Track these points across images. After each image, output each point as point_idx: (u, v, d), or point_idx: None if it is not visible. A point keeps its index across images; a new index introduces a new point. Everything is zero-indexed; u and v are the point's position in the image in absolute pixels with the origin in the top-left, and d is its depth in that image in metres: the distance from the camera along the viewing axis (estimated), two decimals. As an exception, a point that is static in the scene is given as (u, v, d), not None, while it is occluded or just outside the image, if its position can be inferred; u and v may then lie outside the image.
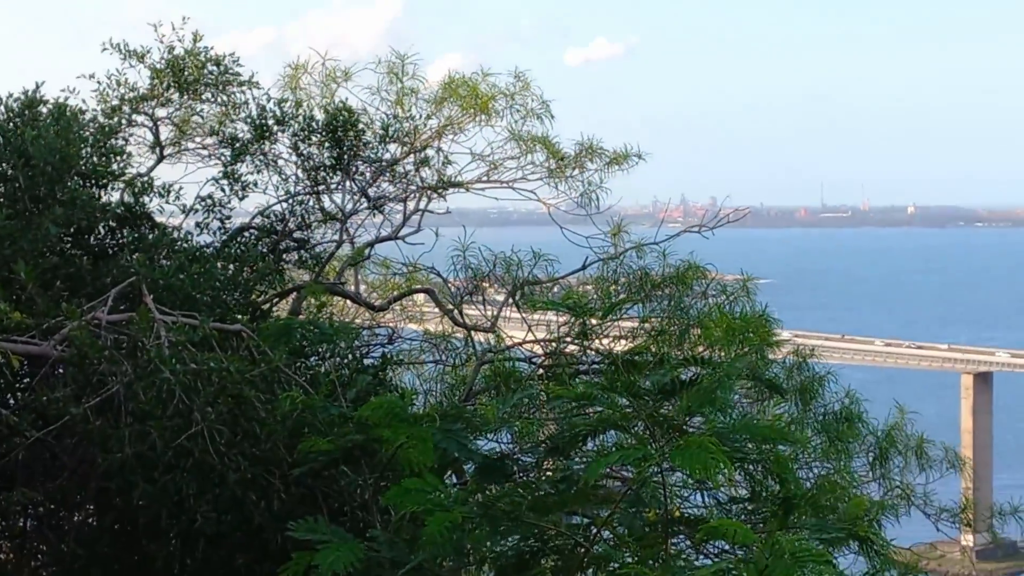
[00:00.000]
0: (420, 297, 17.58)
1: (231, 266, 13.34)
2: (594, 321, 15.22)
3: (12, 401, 9.76)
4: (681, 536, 7.99)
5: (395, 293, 16.85)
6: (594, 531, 7.77)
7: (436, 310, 16.99)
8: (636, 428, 7.62)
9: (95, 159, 11.90)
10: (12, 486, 9.58)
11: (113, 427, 8.90)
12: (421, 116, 16.14)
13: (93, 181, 11.78)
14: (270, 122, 15.01)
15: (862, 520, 8.22)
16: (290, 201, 15.21)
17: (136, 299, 9.98)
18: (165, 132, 15.72)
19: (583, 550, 7.69)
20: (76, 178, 11.34)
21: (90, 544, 9.56)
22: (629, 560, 7.66)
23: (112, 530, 9.58)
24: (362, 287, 16.76)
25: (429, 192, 16.25)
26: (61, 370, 9.61)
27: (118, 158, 12.79)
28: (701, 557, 8.30)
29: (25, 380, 9.92)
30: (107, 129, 13.42)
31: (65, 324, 9.40)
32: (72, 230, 11.27)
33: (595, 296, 15.56)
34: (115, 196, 12.74)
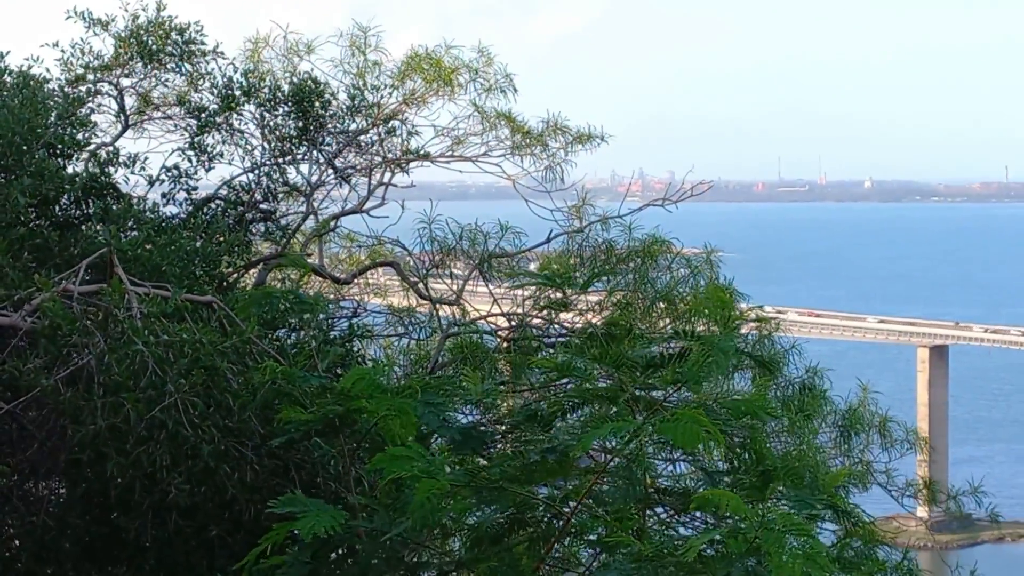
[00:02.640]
0: (384, 270, 17.55)
1: (198, 238, 13.27)
2: (560, 294, 15.31)
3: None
4: (659, 508, 8.06)
5: (359, 266, 16.80)
6: (574, 503, 7.82)
7: (401, 283, 17.01)
8: (621, 401, 7.66)
9: (61, 129, 11.80)
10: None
11: (85, 399, 8.84)
12: (385, 89, 16.10)
13: (59, 151, 11.69)
14: (236, 92, 14.90)
15: (836, 492, 8.30)
16: (256, 172, 15.13)
17: (105, 270, 9.93)
18: (129, 102, 15.58)
19: (562, 521, 7.74)
20: (42, 148, 11.24)
21: (60, 516, 9.51)
22: (604, 531, 7.73)
23: (82, 502, 9.52)
24: (325, 260, 16.71)
25: (394, 165, 16.23)
26: (27, 342, 9.55)
27: (83, 128, 12.69)
28: (680, 529, 8.36)
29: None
30: (73, 99, 13.30)
31: (34, 296, 9.35)
32: (37, 201, 11.17)
33: (558, 269, 15.58)
34: (79, 167, 12.64)
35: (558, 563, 8.53)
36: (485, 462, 8.43)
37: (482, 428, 8.98)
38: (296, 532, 7.79)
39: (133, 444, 8.75)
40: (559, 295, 15.51)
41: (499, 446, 9.79)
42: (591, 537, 7.84)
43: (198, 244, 12.41)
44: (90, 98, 14.46)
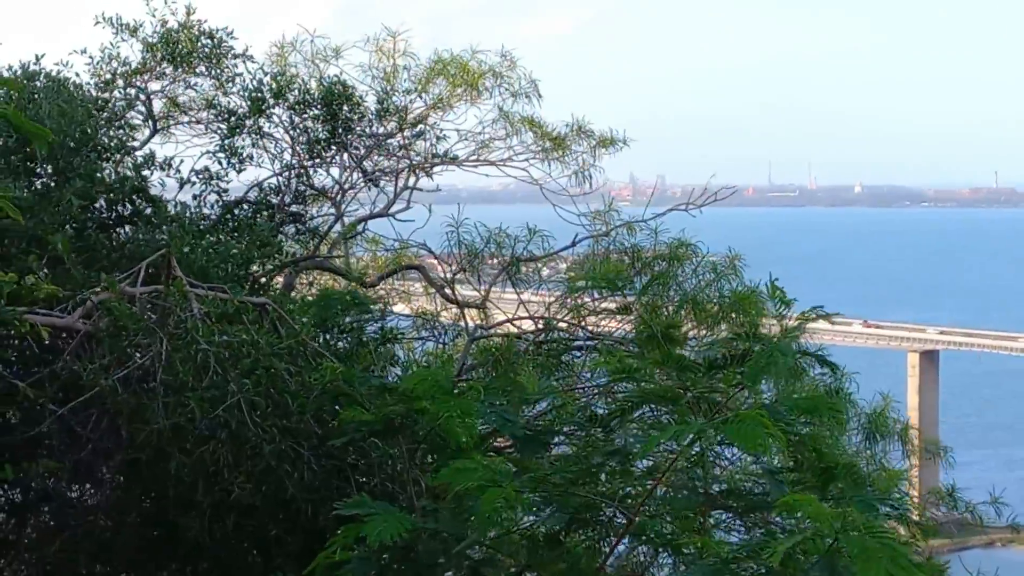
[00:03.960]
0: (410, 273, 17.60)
1: (228, 238, 13.34)
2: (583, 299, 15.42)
3: (38, 373, 9.72)
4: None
5: (386, 270, 16.86)
6: (636, 503, 7.87)
7: (425, 287, 17.10)
8: (683, 402, 7.73)
9: (113, 132, 11.90)
10: (36, 457, 9.60)
11: (149, 398, 8.91)
12: (412, 93, 16.18)
13: (108, 155, 11.78)
14: (266, 96, 14.97)
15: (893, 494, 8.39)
16: (286, 175, 15.22)
17: (158, 272, 10.00)
18: (157, 106, 15.65)
19: (626, 522, 7.81)
20: (93, 152, 11.33)
21: (117, 516, 9.58)
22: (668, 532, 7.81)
23: (139, 502, 9.59)
24: (351, 263, 16.79)
25: (420, 168, 16.31)
26: (84, 343, 9.62)
27: (132, 131, 12.81)
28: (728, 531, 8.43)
29: (48, 354, 9.90)
30: (112, 104, 13.41)
31: (87, 297, 9.44)
32: (85, 204, 11.25)
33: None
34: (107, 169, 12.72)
35: (620, 565, 8.61)
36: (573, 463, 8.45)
37: (542, 428, 9.03)
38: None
39: (195, 443, 8.82)
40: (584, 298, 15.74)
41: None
42: (655, 539, 7.88)
43: (241, 246, 12.46)
44: (120, 102, 14.52)
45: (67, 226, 10.62)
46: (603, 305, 15.53)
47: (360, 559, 7.82)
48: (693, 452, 7.57)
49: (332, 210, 15.96)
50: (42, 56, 13.18)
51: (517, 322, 15.68)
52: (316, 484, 9.08)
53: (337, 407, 9.05)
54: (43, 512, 10.00)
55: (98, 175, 10.97)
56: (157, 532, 9.58)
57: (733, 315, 14.41)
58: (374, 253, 17.71)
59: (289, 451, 9.02)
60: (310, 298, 14.65)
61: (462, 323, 15.95)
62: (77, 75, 14.18)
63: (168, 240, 10.30)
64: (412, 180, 16.34)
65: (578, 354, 15.29)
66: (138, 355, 9.15)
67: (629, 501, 7.97)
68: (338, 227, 15.90)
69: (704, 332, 14.20)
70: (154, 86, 15.47)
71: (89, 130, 11.05)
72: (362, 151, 15.70)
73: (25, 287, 9.12)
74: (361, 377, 8.76)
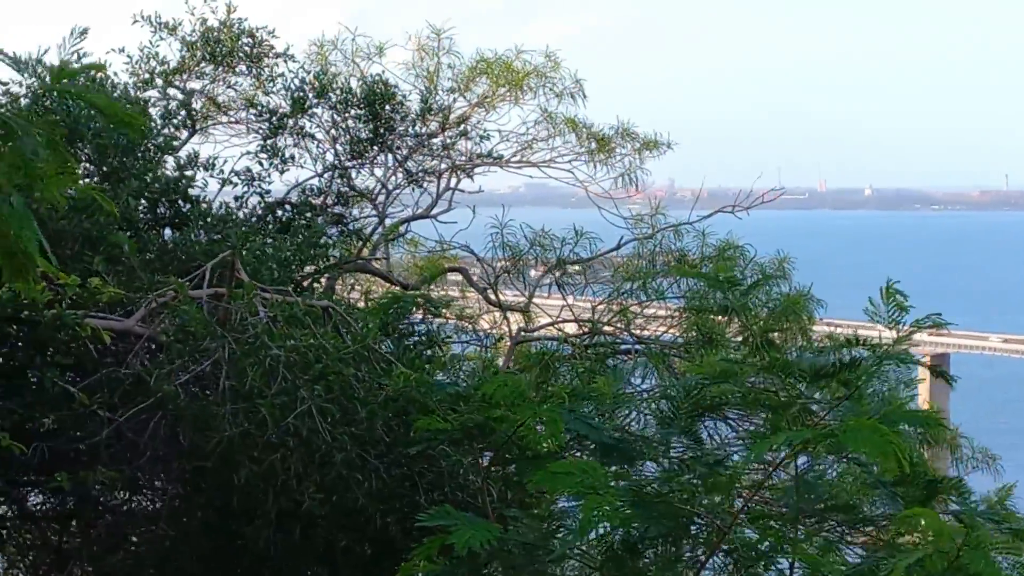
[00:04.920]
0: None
1: (274, 240, 13.08)
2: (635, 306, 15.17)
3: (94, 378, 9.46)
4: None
5: (428, 272, 16.59)
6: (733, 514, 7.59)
7: (462, 290, 16.88)
8: (792, 411, 7.45)
9: (167, 132, 11.66)
10: (94, 465, 9.35)
11: (218, 405, 8.63)
12: (454, 92, 15.94)
13: (160, 155, 11.53)
14: (308, 95, 14.72)
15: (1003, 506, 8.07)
16: (329, 175, 14.97)
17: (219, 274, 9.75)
18: (196, 105, 15.39)
19: (721, 534, 7.52)
20: (145, 151, 11.08)
21: (181, 525, 9.32)
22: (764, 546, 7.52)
23: (202, 510, 9.32)
24: (393, 265, 16.55)
25: (462, 170, 16.07)
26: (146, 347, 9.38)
27: (169, 132, 12.57)
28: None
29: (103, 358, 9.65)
30: (151, 103, 13.19)
31: (150, 300, 9.19)
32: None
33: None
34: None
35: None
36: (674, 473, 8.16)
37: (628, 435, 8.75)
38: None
39: (263, 451, 8.55)
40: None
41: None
42: (751, 553, 7.59)
43: (292, 248, 12.20)
44: (175, 101, 14.26)
45: (120, 228, 10.33)
46: (642, 310, 15.36)
47: (448, 571, 7.54)
48: (802, 462, 7.29)
49: (373, 211, 15.71)
50: (84, 55, 12.93)
51: (560, 325, 15.49)
52: (385, 493, 8.81)
53: (407, 415, 8.79)
54: (104, 521, 9.73)
55: (149, 175, 10.68)
56: (219, 542, 9.29)
57: (785, 320, 14.19)
58: (414, 255, 17.46)
59: (358, 459, 8.74)
60: (353, 301, 14.45)
61: (504, 326, 15.75)
62: (115, 74, 13.93)
63: (234, 242, 10.00)
64: (453, 181, 16.10)
65: (623, 358, 15.07)
66: (201, 360, 8.86)
67: (723, 511, 7.70)
68: (380, 229, 15.65)
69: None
70: (193, 85, 15.20)
71: (144, 129, 10.76)
72: (404, 151, 15.44)
73: (87, 290, 8.88)
74: (435, 384, 8.47)
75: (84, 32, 9.46)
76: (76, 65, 8.78)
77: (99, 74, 13.21)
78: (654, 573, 7.85)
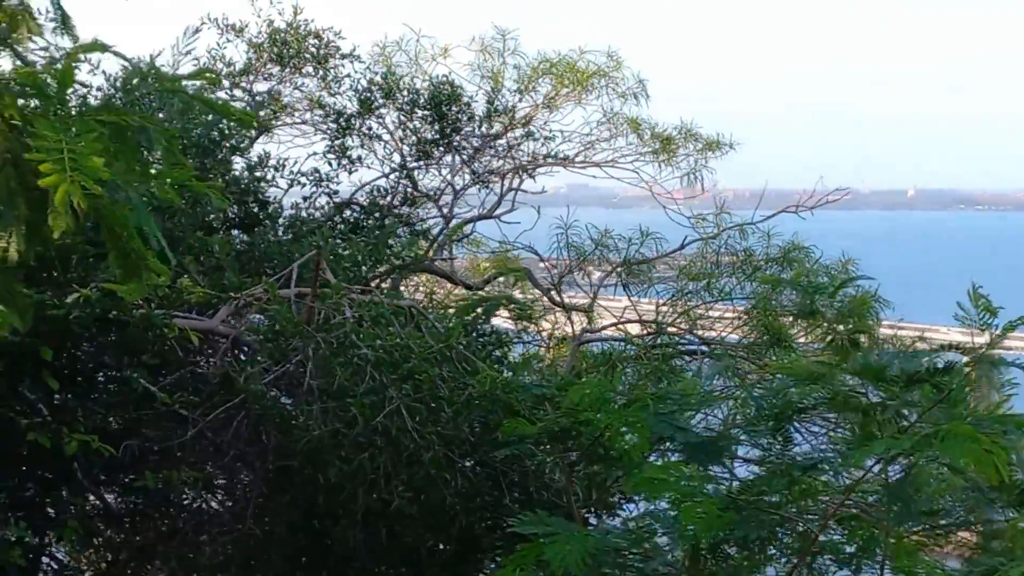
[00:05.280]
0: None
1: (344, 241, 13.15)
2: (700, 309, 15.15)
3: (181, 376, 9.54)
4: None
5: (490, 273, 16.62)
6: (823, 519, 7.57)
7: (523, 291, 16.87)
8: (886, 416, 7.40)
9: (244, 132, 11.74)
10: (178, 464, 9.43)
11: (308, 404, 8.68)
12: (519, 93, 15.97)
13: (237, 155, 11.62)
14: (376, 95, 14.80)
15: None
16: (396, 175, 15.05)
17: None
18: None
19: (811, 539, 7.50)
20: (225, 151, 11.16)
21: (267, 524, 9.38)
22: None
23: (287, 510, 9.36)
24: (457, 266, 16.59)
25: (525, 170, 16.09)
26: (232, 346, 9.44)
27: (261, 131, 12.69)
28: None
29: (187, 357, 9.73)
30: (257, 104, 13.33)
31: (237, 299, 9.26)
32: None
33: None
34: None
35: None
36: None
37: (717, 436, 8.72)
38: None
39: (351, 450, 8.58)
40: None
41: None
42: (842, 557, 7.57)
43: (366, 249, 12.25)
44: (253, 103, 14.39)
45: (204, 229, 10.43)
46: (707, 310, 15.34)
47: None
48: (897, 467, 7.24)
49: (437, 212, 15.77)
50: (157, 54, 13.04)
51: (623, 326, 15.47)
52: (471, 492, 8.83)
53: (490, 414, 8.82)
54: (188, 521, 9.80)
55: (229, 176, 10.78)
56: (304, 541, 9.34)
57: (850, 321, 14.15)
58: (475, 255, 17.49)
59: (444, 459, 8.76)
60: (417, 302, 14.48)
61: (567, 327, 15.74)
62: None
63: (322, 242, 10.07)
64: (516, 181, 16.13)
65: (688, 359, 15.07)
66: (289, 359, 8.91)
67: (814, 516, 7.68)
68: (444, 229, 15.70)
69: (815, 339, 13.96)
70: (259, 87, 15.31)
71: (226, 130, 10.85)
72: (470, 152, 15.49)
73: (176, 290, 8.96)
74: (522, 385, 8.49)
75: (197, 31, 9.58)
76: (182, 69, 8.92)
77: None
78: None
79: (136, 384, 8.97)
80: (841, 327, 10.42)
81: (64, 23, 4.58)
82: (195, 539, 9.52)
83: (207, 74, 7.85)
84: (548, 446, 8.50)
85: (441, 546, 9.05)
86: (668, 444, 8.31)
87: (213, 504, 9.86)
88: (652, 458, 8.21)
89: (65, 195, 4.68)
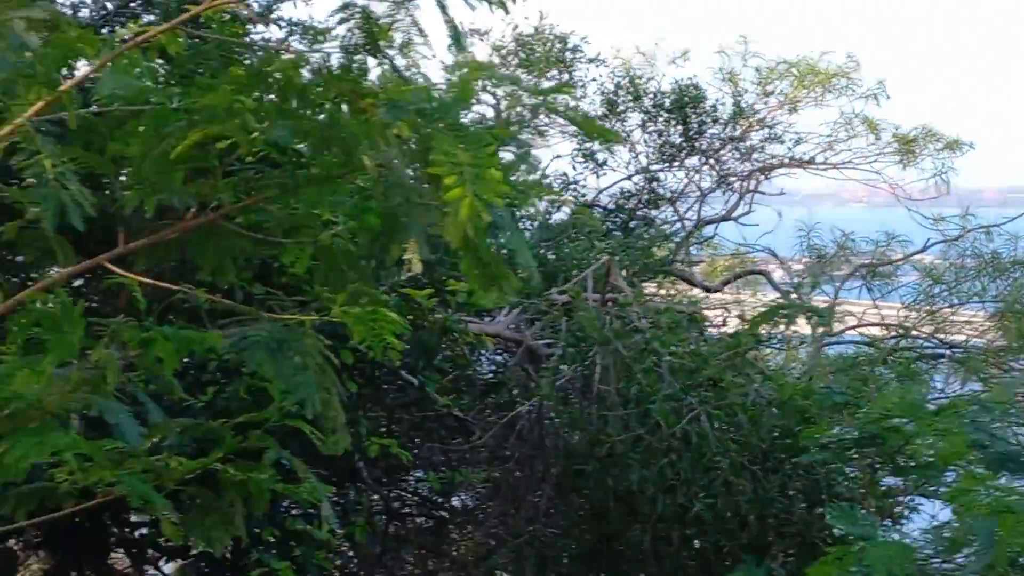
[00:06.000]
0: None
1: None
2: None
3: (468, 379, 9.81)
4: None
5: (728, 275, 16.66)
6: None
7: (754, 288, 16.88)
8: None
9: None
10: (461, 466, 9.70)
11: (609, 408, 8.85)
12: (762, 94, 15.98)
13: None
14: (624, 98, 14.95)
15: None
16: (642, 177, 15.19)
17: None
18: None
19: None
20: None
21: (563, 525, 9.58)
22: None
23: (578, 512, 9.55)
24: (695, 268, 16.66)
25: (763, 172, 16.10)
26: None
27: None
28: None
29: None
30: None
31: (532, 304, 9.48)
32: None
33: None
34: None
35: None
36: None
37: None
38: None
39: (648, 455, 8.71)
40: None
41: None
42: None
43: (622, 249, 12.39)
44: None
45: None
46: (953, 313, 15.15)
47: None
48: None
49: (674, 214, 15.86)
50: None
51: (865, 328, 15.38)
52: (765, 499, 8.89)
53: (785, 421, 8.88)
54: (484, 522, 10.07)
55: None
56: (595, 544, 9.49)
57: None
58: (712, 257, 17.54)
59: (740, 465, 8.83)
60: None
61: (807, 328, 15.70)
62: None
63: (615, 247, 10.25)
64: (753, 183, 16.15)
65: (935, 362, 14.90)
66: (589, 364, 9.09)
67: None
68: (683, 231, 15.79)
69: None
70: (500, 91, 15.55)
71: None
72: (713, 154, 15.56)
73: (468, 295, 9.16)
74: (821, 391, 8.54)
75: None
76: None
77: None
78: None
79: (431, 387, 9.21)
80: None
81: (456, 40, 4.78)
82: (491, 540, 9.75)
83: (565, 88, 8.01)
84: (853, 452, 8.50)
85: (735, 552, 9.10)
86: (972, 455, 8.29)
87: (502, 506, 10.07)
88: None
89: (470, 208, 4.89)
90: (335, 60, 5.65)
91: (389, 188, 4.83)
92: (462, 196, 5.28)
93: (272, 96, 4.38)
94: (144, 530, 9.10)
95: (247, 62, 4.55)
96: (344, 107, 4.71)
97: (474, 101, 13.18)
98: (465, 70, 5.74)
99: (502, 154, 5.52)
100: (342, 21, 5.47)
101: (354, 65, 5.41)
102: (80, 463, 3.98)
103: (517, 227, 5.86)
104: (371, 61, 5.62)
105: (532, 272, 5.56)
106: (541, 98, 6.79)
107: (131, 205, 4.32)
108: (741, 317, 10.03)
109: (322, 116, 4.70)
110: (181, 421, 4.67)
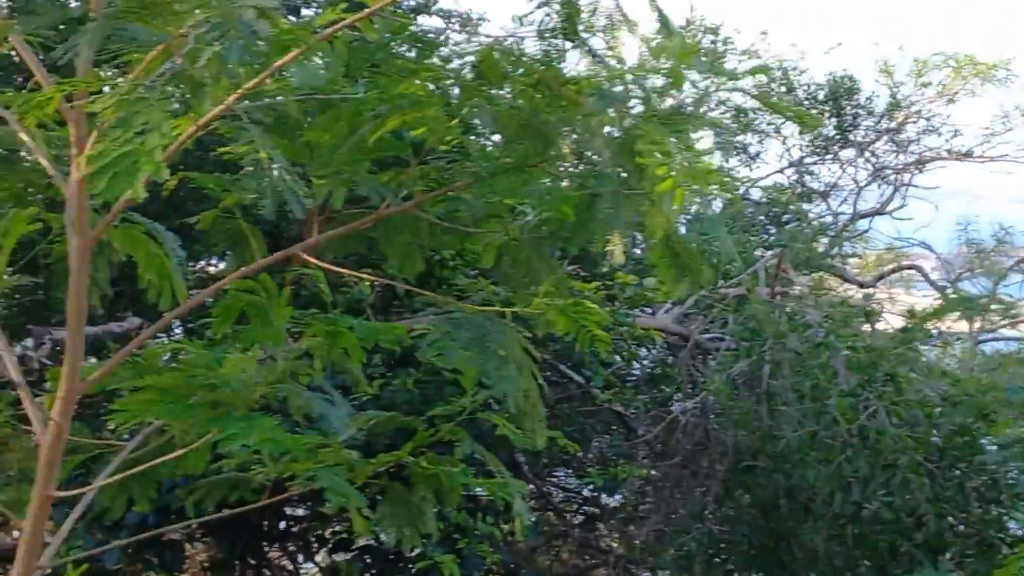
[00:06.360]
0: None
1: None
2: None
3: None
4: None
5: (882, 269, 16.33)
6: None
7: (906, 288, 16.54)
8: None
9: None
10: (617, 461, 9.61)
11: (786, 404, 8.67)
12: (918, 86, 15.66)
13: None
14: (776, 90, 14.71)
15: None
16: (795, 171, 14.97)
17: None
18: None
19: None
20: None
21: (728, 521, 9.44)
22: None
23: (747, 509, 9.39)
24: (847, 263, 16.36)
25: (918, 165, 15.77)
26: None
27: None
28: None
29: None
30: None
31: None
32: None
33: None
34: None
35: None
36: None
37: None
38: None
39: (822, 452, 8.51)
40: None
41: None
42: None
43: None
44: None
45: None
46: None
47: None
48: None
49: (827, 207, 15.61)
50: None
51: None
52: (943, 498, 8.65)
53: (963, 418, 8.63)
54: (642, 518, 9.99)
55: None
56: (765, 541, 9.32)
57: None
58: (864, 251, 17.22)
59: (916, 462, 8.59)
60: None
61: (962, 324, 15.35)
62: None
63: (787, 239, 10.07)
64: (908, 177, 15.83)
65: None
66: (762, 358, 8.92)
67: None
68: (836, 225, 15.52)
69: None
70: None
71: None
72: (867, 146, 15.27)
73: (643, 290, 9.08)
74: (1014, 389, 8.29)
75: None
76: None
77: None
78: None
79: (597, 382, 9.13)
80: None
81: (666, 26, 4.64)
82: (662, 538, 9.65)
83: (763, 70, 7.87)
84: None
85: (911, 551, 8.87)
86: None
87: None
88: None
89: (681, 200, 4.78)
90: (528, 46, 5.57)
91: (597, 178, 4.74)
92: (673, 187, 5.17)
93: (465, 85, 4.30)
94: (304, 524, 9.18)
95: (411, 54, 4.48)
96: (541, 95, 4.62)
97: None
98: (674, 57, 5.64)
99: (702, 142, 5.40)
100: (540, 5, 5.39)
101: (551, 51, 5.32)
102: (275, 455, 3.94)
103: (718, 218, 5.75)
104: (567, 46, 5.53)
105: (736, 261, 5.49)
106: (737, 82, 6.68)
107: (321, 195, 4.28)
108: (911, 312, 9.73)
109: (520, 103, 4.62)
110: (370, 413, 4.62)
